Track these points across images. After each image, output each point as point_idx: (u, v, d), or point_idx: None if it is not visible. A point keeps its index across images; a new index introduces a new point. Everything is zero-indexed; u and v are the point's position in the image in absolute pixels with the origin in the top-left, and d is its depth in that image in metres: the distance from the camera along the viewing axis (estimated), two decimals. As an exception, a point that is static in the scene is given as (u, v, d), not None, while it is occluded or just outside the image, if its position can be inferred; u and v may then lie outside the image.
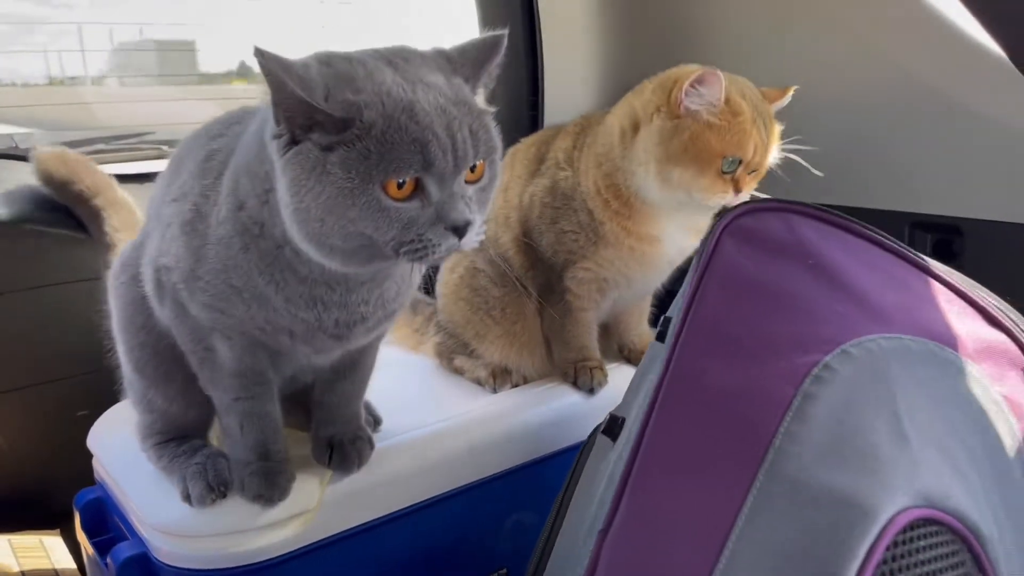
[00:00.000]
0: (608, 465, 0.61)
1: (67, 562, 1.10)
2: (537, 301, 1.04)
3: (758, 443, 0.48)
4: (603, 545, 0.53)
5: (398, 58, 0.62)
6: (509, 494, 0.95)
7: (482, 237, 0.63)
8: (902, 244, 0.64)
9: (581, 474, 0.67)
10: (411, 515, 0.87)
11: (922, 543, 0.46)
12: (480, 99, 0.64)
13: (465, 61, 0.64)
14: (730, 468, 0.48)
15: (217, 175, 0.70)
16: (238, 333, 0.73)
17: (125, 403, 0.99)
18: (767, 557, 0.45)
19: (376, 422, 0.93)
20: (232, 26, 2.02)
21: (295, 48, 0.60)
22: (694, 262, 0.63)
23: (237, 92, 2.15)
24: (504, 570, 0.98)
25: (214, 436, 0.89)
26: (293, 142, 0.59)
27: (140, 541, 0.80)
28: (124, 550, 0.80)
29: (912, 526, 0.46)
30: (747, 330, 0.55)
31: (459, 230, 0.60)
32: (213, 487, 0.77)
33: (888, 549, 0.45)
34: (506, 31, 0.65)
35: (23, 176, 1.15)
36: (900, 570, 0.45)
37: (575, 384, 1.03)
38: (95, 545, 0.89)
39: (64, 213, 1.13)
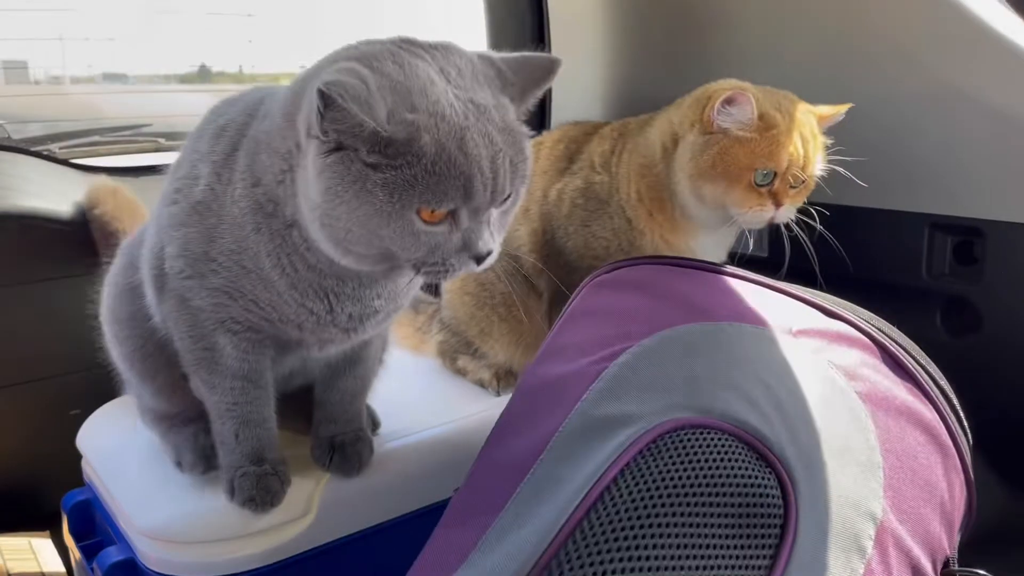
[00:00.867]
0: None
1: (55, 565, 1.08)
2: (548, 302, 1.01)
3: (569, 401, 0.61)
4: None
5: (449, 65, 0.60)
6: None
7: (496, 257, 0.64)
8: (746, 271, 0.74)
9: None
10: (410, 521, 0.85)
11: (689, 439, 0.54)
12: (520, 120, 0.63)
13: (516, 80, 0.63)
14: (547, 420, 0.61)
15: (230, 150, 0.68)
16: (245, 327, 0.71)
17: (116, 402, 0.97)
18: (559, 470, 0.57)
19: (375, 424, 0.90)
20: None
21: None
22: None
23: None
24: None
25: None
26: (337, 147, 0.56)
27: (127, 546, 0.79)
28: (111, 555, 0.79)
29: (682, 428, 0.55)
30: (575, 340, 0.70)
31: (481, 259, 0.61)
32: (207, 456, 0.78)
33: (650, 445, 0.54)
34: (560, 59, 0.65)
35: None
36: (655, 458, 0.53)
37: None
38: (82, 549, 0.88)
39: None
